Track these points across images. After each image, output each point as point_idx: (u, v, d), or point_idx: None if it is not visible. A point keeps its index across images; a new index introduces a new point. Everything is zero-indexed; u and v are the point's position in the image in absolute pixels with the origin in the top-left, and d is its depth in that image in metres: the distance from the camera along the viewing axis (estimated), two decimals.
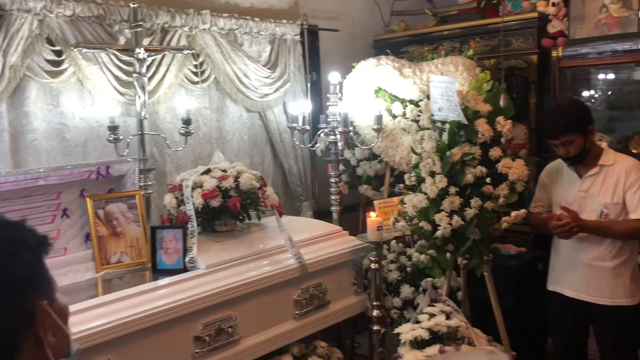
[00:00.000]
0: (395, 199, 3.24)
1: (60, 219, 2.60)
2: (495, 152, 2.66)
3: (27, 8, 2.62)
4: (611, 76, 4.19)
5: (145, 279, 2.53)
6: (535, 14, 3.74)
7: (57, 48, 2.79)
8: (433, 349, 2.45)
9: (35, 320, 0.88)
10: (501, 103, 2.69)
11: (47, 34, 2.73)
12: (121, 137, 2.80)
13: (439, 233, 2.64)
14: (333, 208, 3.53)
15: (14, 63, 2.59)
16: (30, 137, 2.73)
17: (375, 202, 3.29)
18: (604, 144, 2.85)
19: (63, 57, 2.81)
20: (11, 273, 0.86)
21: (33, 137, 2.74)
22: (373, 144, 3.40)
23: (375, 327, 2.99)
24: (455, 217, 2.62)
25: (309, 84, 4.00)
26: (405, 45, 4.39)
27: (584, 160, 2.71)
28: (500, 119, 2.67)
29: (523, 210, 2.66)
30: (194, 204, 2.66)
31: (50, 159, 2.79)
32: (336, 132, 3.35)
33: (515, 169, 2.64)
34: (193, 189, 2.70)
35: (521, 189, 2.69)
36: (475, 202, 2.61)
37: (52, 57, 2.79)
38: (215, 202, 2.67)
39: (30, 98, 2.72)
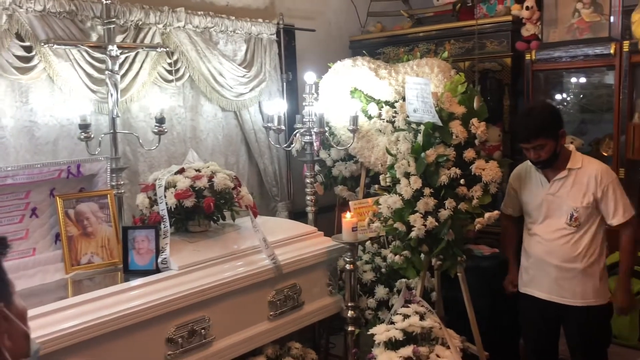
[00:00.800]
0: (370, 200, 3.25)
1: (29, 218, 2.54)
2: (469, 153, 2.68)
3: None
4: (583, 80, 4.27)
5: (117, 280, 2.49)
6: (509, 17, 3.79)
7: (27, 44, 2.72)
8: (407, 350, 2.45)
9: None
10: (475, 105, 2.71)
11: (17, 29, 2.66)
12: (92, 136, 2.74)
13: (413, 234, 2.64)
14: (308, 209, 3.52)
15: None
16: None
17: (350, 202, 3.29)
18: (571, 147, 2.90)
19: (33, 53, 2.74)
20: None
21: (1, 134, 2.67)
22: (349, 145, 3.40)
23: (350, 328, 2.99)
24: (430, 218, 2.63)
25: (284, 84, 3.98)
26: (382, 47, 4.40)
27: (553, 164, 2.75)
28: (474, 120, 2.69)
29: (496, 212, 2.69)
30: (167, 204, 2.62)
31: (19, 157, 2.72)
32: (312, 133, 3.34)
33: (488, 170, 2.66)
34: (166, 188, 2.67)
35: (494, 190, 2.72)
36: (449, 203, 2.63)
37: (22, 53, 2.72)
38: (189, 202, 2.64)
39: None
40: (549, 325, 2.89)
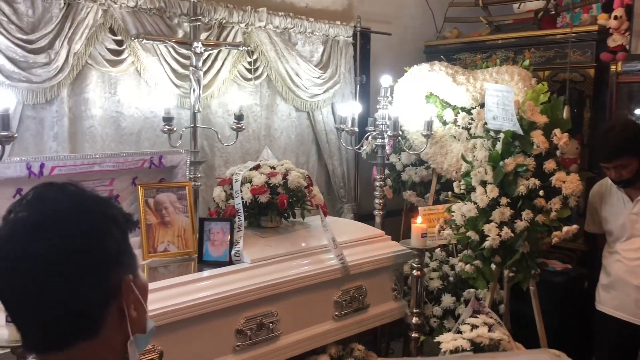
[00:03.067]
0: (441, 207, 3.20)
1: None
2: (549, 164, 2.61)
3: None
4: None
5: (191, 269, 2.56)
6: (595, 27, 3.65)
7: (119, 38, 2.85)
8: None
9: (121, 294, 0.91)
10: (565, 115, 2.63)
11: (110, 23, 2.80)
12: (175, 129, 2.84)
13: (487, 244, 2.59)
14: (376, 212, 3.51)
15: (77, 50, 2.66)
16: (87, 123, 2.79)
17: (420, 208, 3.26)
18: None
19: (123, 47, 2.87)
20: (102, 248, 0.88)
21: (90, 123, 2.81)
22: (421, 150, 3.37)
23: (414, 335, 2.97)
24: (505, 229, 2.57)
25: (358, 86, 4.00)
26: (457, 53, 4.34)
27: (636, 183, 2.63)
28: (556, 131, 2.61)
29: (575, 226, 2.60)
30: (242, 199, 2.68)
31: (105, 145, 2.85)
32: (384, 136, 3.34)
33: (569, 183, 2.58)
34: (242, 183, 2.73)
35: (574, 204, 2.63)
36: (526, 214, 2.56)
37: (113, 46, 2.85)
38: (264, 198, 2.69)
39: (90, 85, 2.79)
40: (626, 348, 2.77)
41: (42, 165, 2.36)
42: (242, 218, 2.65)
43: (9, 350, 1.84)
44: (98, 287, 0.87)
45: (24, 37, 2.51)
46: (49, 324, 0.86)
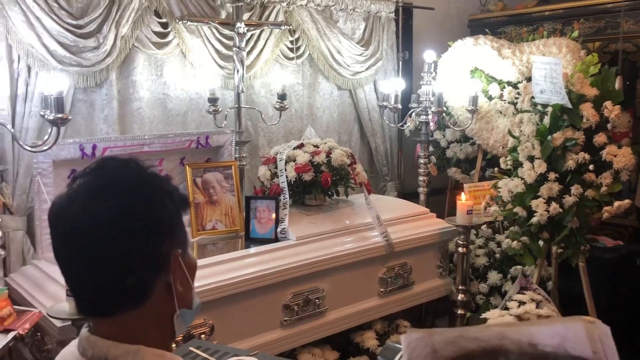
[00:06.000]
0: (486, 184, 3.16)
1: None
2: (600, 138, 2.54)
3: None
4: None
5: (238, 247, 2.62)
6: None
7: (164, 20, 2.90)
8: None
9: (169, 267, 0.93)
10: (617, 86, 2.54)
11: (155, 6, 2.84)
12: (220, 109, 2.88)
13: (534, 220, 2.55)
14: (420, 189, 3.50)
15: (124, 34, 2.72)
16: (136, 105, 2.86)
17: (465, 185, 3.23)
18: None
19: (168, 29, 2.91)
20: (156, 218, 0.91)
21: (138, 105, 2.87)
22: (466, 126, 3.32)
23: (460, 311, 2.96)
24: (553, 204, 2.53)
25: (400, 63, 3.96)
26: (502, 26, 4.23)
27: None
28: (607, 103, 2.54)
29: (627, 201, 2.54)
30: (287, 177, 2.71)
31: (152, 127, 2.92)
32: (428, 112, 3.30)
33: (621, 157, 2.51)
34: (286, 162, 2.76)
35: (626, 178, 2.57)
36: (575, 189, 2.51)
37: (159, 29, 2.90)
38: (308, 176, 2.72)
39: (137, 68, 2.85)
40: None
41: (94, 147, 2.45)
42: (287, 196, 2.68)
43: (70, 322, 1.94)
44: (148, 255, 0.90)
45: (74, 22, 2.57)
46: (99, 286, 0.89)
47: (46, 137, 2.10)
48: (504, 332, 0.78)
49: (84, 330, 0.94)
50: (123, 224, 0.87)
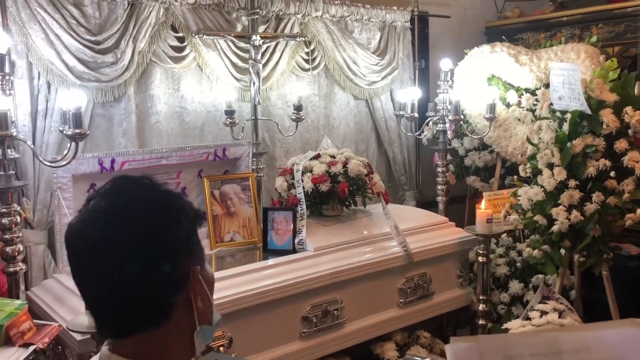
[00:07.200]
0: (506, 192, 3.12)
1: None
2: (621, 144, 2.49)
3: None
4: None
5: (256, 258, 2.62)
6: None
7: (180, 34, 2.93)
8: None
9: (188, 285, 0.94)
10: (636, 91, 2.50)
11: (172, 21, 2.88)
12: (237, 122, 2.90)
13: (555, 228, 2.51)
14: (439, 198, 3.47)
15: (142, 49, 2.75)
16: (154, 119, 2.89)
17: (484, 193, 3.19)
18: None
19: (185, 43, 2.94)
20: (173, 238, 0.92)
21: (156, 119, 2.90)
22: (484, 134, 3.29)
23: (481, 322, 2.92)
24: (574, 212, 2.48)
25: (417, 72, 3.95)
26: (519, 32, 4.20)
27: None
28: (628, 109, 2.49)
29: None
30: (304, 188, 2.71)
31: (170, 140, 2.94)
32: (445, 120, 3.28)
33: None
34: (303, 173, 2.76)
35: None
36: (597, 196, 2.46)
37: (176, 43, 2.93)
38: (325, 187, 2.71)
39: (154, 82, 2.88)
40: None
41: (112, 161, 2.48)
42: (304, 207, 2.68)
43: (89, 336, 1.95)
44: (168, 275, 0.90)
45: (92, 38, 2.62)
46: (120, 309, 0.90)
47: (65, 151, 2.13)
48: (557, 337, 0.75)
49: (105, 349, 0.95)
50: (139, 246, 0.88)
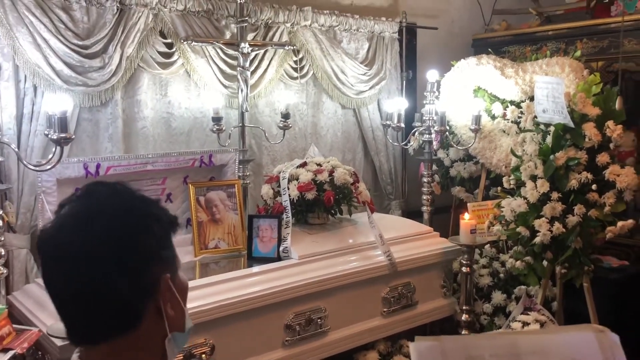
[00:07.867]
0: (490, 203, 3.16)
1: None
2: (602, 158, 2.53)
3: (144, 2, 2.78)
4: None
5: (241, 265, 2.62)
6: None
7: (169, 41, 2.93)
8: None
9: (158, 292, 0.94)
10: (617, 106, 2.55)
11: (160, 27, 2.88)
12: (224, 128, 2.90)
13: (537, 239, 2.54)
14: (424, 208, 3.49)
15: (130, 54, 2.75)
16: (140, 124, 2.88)
17: (469, 204, 3.22)
18: None
19: (173, 49, 2.95)
20: (141, 244, 0.92)
21: (143, 124, 2.89)
22: (469, 145, 3.32)
23: (464, 332, 2.93)
24: (556, 224, 2.52)
25: (404, 82, 3.98)
26: (506, 45, 4.25)
27: None
28: (610, 123, 2.54)
29: (631, 221, 2.52)
30: (289, 196, 2.72)
31: (156, 145, 2.94)
32: (431, 131, 3.31)
33: (624, 176, 2.50)
34: (289, 181, 2.77)
35: (629, 198, 2.55)
36: (578, 209, 2.50)
37: (164, 49, 2.93)
38: (310, 195, 2.72)
39: (142, 87, 2.88)
40: None
41: (98, 166, 2.47)
42: (290, 215, 2.68)
43: (68, 342, 1.93)
44: (136, 281, 0.90)
45: (80, 42, 2.61)
46: (89, 314, 0.90)
47: (50, 155, 2.13)
48: (517, 339, 0.77)
49: (75, 356, 0.95)
50: (108, 252, 0.88)
